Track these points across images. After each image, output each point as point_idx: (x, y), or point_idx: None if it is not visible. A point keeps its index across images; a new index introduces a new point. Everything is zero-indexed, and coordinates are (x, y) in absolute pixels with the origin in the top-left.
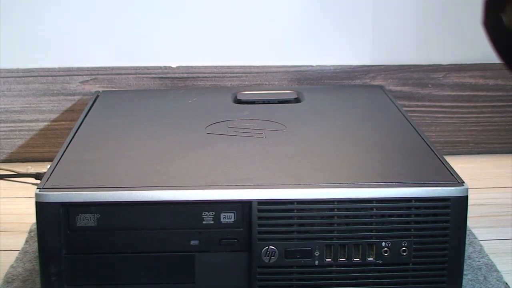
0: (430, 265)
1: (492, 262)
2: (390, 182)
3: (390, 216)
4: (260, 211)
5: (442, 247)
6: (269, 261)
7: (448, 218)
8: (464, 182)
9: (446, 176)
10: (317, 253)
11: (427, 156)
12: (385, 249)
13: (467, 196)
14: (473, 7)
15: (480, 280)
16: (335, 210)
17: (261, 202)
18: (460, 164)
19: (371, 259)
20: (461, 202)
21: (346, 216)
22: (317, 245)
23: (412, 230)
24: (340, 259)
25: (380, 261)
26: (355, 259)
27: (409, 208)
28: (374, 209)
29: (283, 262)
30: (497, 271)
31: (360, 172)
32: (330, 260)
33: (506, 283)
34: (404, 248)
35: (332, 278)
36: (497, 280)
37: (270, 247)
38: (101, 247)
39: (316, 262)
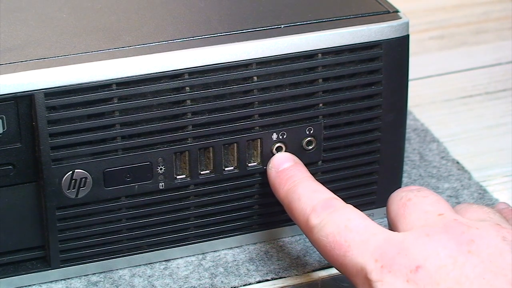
0: (345, 161)
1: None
2: (275, 27)
3: (278, 87)
4: (50, 108)
5: (370, 126)
6: (76, 195)
7: (381, 75)
8: (399, 11)
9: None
10: (161, 169)
11: None
12: (279, 144)
13: (407, 35)
14: None
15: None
16: (186, 88)
17: (51, 93)
18: None
19: (254, 164)
20: (399, 46)
21: (205, 97)
22: (160, 154)
23: (321, 105)
24: (202, 173)
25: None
26: (227, 169)
27: (313, 68)
28: (255, 78)
29: (103, 194)
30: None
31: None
32: (183, 177)
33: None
34: (309, 139)
35: (190, 207)
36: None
37: (76, 170)
38: None
39: (161, 185)
